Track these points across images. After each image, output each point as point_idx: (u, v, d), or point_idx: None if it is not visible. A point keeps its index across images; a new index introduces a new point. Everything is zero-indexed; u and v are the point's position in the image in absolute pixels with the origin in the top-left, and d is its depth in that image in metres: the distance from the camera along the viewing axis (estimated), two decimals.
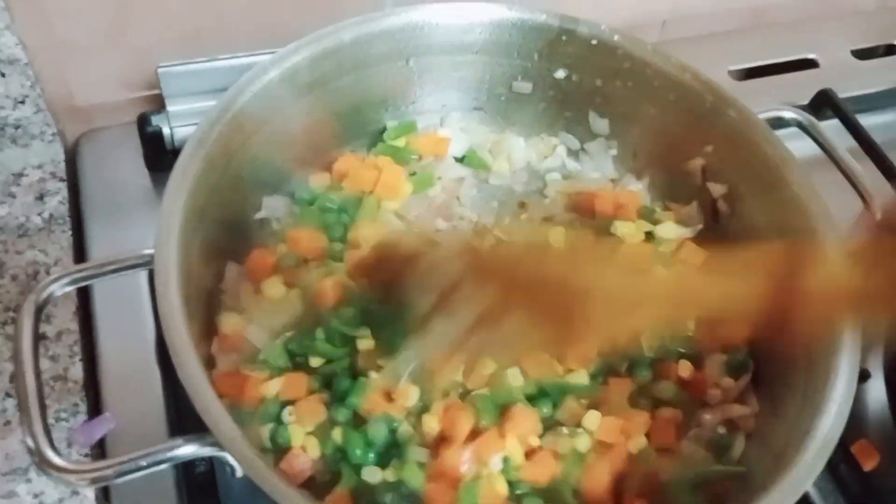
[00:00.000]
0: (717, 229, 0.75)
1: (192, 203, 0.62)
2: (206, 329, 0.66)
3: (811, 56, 1.01)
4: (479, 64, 0.80)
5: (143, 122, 0.82)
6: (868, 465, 0.70)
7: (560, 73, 0.80)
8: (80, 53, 0.81)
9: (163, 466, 0.53)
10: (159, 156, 0.83)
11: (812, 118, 0.75)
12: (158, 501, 0.64)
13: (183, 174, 0.62)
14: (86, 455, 0.66)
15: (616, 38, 0.76)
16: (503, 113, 0.84)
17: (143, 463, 0.52)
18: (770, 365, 0.68)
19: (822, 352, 0.61)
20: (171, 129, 0.82)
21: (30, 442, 0.52)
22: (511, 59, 0.79)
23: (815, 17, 1.06)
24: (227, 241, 0.71)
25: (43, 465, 0.52)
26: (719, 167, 0.75)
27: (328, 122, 0.76)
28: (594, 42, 0.76)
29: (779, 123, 0.76)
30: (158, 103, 0.83)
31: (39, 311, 0.58)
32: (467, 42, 0.78)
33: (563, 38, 0.77)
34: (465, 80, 0.81)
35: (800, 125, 0.75)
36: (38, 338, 0.57)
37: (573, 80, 0.79)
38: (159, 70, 0.80)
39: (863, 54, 1.03)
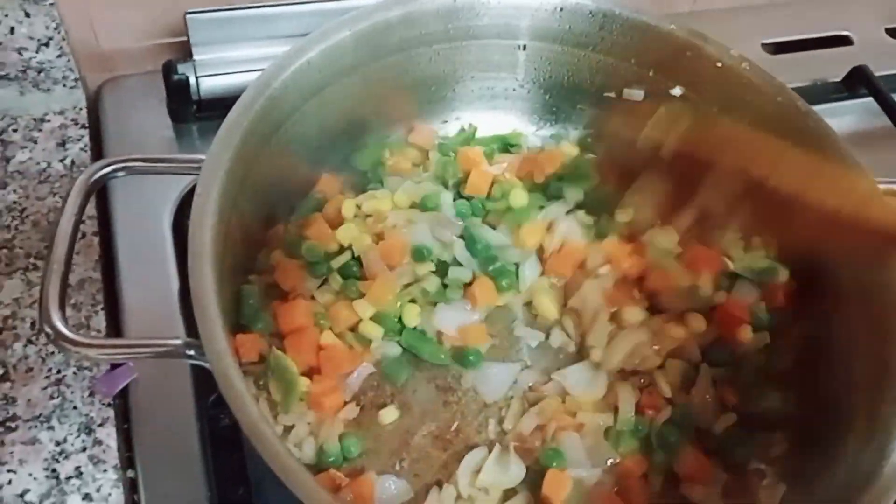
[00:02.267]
0: None
1: (235, 167, 0.59)
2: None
3: (845, 33, 1.00)
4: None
5: (168, 69, 0.80)
6: None
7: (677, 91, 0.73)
8: None
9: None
10: (184, 106, 0.81)
11: None
12: (182, 455, 0.63)
13: (227, 137, 0.59)
14: (108, 405, 0.65)
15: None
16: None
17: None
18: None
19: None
20: (196, 78, 0.80)
21: (42, 308, 0.51)
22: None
23: None
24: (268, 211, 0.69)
25: (57, 339, 0.51)
26: None
27: (377, 99, 0.74)
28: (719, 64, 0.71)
29: None
30: (185, 51, 0.81)
31: (88, 194, 0.57)
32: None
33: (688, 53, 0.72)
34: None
35: None
36: (80, 220, 0.56)
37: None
38: (187, 16, 0.78)
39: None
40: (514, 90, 0.79)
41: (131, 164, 0.59)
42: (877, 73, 0.93)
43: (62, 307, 0.52)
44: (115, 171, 0.58)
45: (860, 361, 0.60)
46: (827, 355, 0.63)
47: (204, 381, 0.66)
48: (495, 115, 0.79)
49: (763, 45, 0.97)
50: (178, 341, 0.53)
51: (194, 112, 0.81)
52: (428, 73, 0.75)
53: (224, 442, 0.64)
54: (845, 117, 0.93)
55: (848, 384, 0.60)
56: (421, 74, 0.75)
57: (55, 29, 0.79)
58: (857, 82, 0.92)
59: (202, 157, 0.57)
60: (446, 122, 0.79)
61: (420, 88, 0.76)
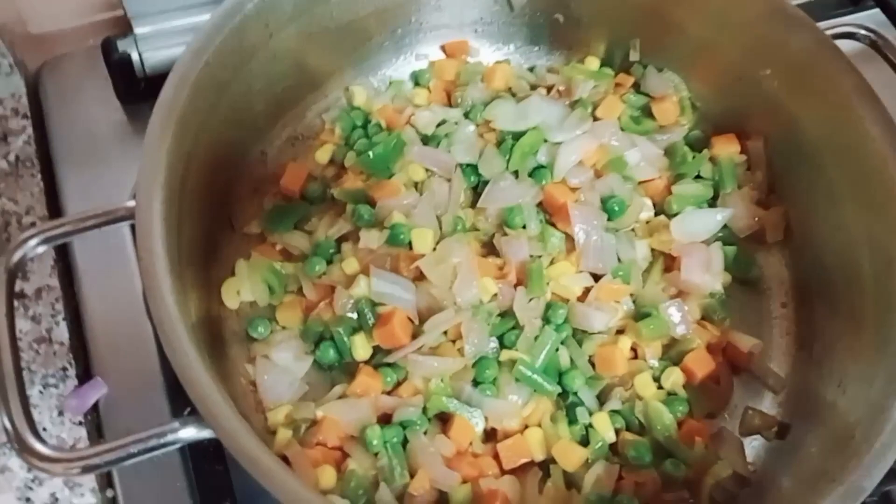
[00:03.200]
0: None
1: (178, 147, 0.54)
2: (204, 275, 0.60)
3: None
4: None
5: (107, 48, 0.73)
6: None
7: None
8: None
9: (159, 452, 0.47)
10: (130, 85, 0.74)
11: (886, 36, 0.65)
12: (163, 471, 0.60)
13: (166, 115, 0.54)
14: (79, 423, 0.62)
15: None
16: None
17: (135, 449, 0.47)
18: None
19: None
20: (139, 54, 0.73)
21: (7, 426, 0.46)
22: None
23: None
24: (221, 183, 0.63)
25: (24, 454, 0.46)
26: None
27: (322, 46, 0.67)
28: None
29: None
30: (124, 26, 0.73)
31: (13, 278, 0.51)
32: None
33: None
34: None
35: (873, 45, 0.64)
36: (13, 307, 0.50)
37: None
38: None
39: None
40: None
41: (52, 231, 0.51)
42: None
43: (32, 428, 0.46)
44: (36, 245, 0.51)
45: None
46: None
47: (178, 389, 0.62)
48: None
49: None
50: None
51: (142, 90, 0.74)
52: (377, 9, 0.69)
53: (205, 454, 0.61)
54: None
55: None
56: (370, 11, 0.68)
57: None
58: None
59: (131, 203, 0.51)
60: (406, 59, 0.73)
61: (371, 27, 0.70)
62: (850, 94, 0.59)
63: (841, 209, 0.61)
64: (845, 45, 0.64)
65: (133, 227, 0.65)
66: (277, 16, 0.61)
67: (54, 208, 0.71)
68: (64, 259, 0.68)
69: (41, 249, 0.52)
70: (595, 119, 0.69)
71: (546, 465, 0.57)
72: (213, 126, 0.59)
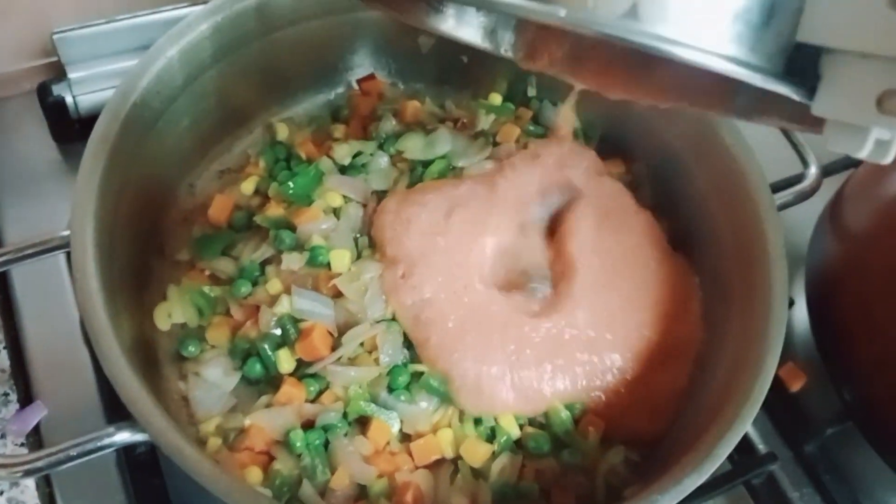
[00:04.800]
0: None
1: (109, 179, 0.59)
2: (136, 299, 0.65)
3: None
4: None
5: (43, 92, 0.78)
6: (794, 386, 0.73)
7: None
8: None
9: (96, 455, 0.52)
10: (65, 126, 0.79)
11: None
12: (102, 484, 0.64)
13: (97, 151, 0.59)
14: (21, 444, 0.65)
15: None
16: None
17: (74, 453, 0.52)
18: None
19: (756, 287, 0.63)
20: (73, 97, 0.78)
21: None
22: None
23: None
24: (152, 213, 0.69)
25: None
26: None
27: (245, 85, 0.73)
28: None
29: None
30: (59, 70, 0.78)
31: None
32: None
33: None
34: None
35: None
36: None
37: None
38: (55, 36, 0.75)
39: None
40: None
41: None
42: None
43: None
44: None
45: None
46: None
47: (114, 407, 0.67)
48: None
49: None
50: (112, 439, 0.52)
51: (77, 131, 0.79)
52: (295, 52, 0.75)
53: (142, 466, 0.65)
54: None
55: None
56: (288, 55, 0.75)
57: None
58: None
59: (66, 232, 0.56)
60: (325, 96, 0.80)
61: (290, 69, 0.76)
62: (711, 122, 0.69)
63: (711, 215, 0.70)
64: None
65: (68, 255, 0.72)
66: (197, 61, 0.67)
67: None
68: (3, 289, 0.72)
69: None
70: (496, 145, 0.76)
71: (456, 460, 0.63)
72: (142, 160, 0.65)
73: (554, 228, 0.70)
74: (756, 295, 0.64)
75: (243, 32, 0.70)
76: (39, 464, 0.51)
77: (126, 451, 0.65)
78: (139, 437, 0.51)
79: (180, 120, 0.68)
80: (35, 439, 0.66)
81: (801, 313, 0.76)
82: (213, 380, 0.64)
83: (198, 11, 0.67)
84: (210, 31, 0.67)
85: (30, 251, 0.58)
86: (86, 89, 0.78)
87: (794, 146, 0.72)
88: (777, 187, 0.75)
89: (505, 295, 0.65)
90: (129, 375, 0.51)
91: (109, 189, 0.59)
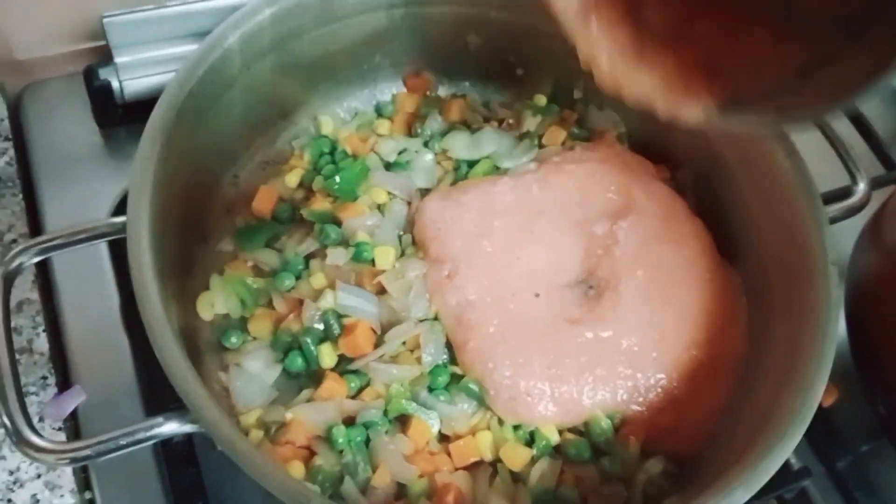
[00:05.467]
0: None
1: (163, 168, 0.59)
2: (181, 287, 0.65)
3: None
4: None
5: (89, 75, 0.78)
6: (827, 401, 0.72)
7: None
8: (17, 2, 0.76)
9: (143, 445, 0.52)
10: (109, 111, 0.79)
11: None
12: (138, 473, 0.64)
13: (153, 139, 0.59)
14: (59, 429, 0.65)
15: None
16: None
17: (123, 442, 0.52)
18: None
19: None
20: (119, 82, 0.78)
21: (6, 421, 0.51)
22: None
23: None
24: (198, 202, 0.69)
25: (21, 445, 0.50)
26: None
27: (294, 78, 0.73)
28: None
29: None
30: (105, 54, 0.78)
31: (9, 285, 0.55)
32: None
33: None
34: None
35: None
36: (9, 313, 0.54)
37: None
38: (104, 20, 0.75)
39: None
40: None
41: (46, 244, 0.56)
42: None
43: (28, 423, 0.51)
44: (32, 256, 0.56)
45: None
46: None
47: (153, 395, 0.67)
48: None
49: None
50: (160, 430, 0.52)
51: (120, 115, 0.79)
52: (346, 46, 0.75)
53: (178, 456, 0.65)
54: None
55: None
56: (340, 48, 0.74)
57: None
58: None
59: (122, 219, 0.56)
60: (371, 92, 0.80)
61: (340, 62, 0.76)
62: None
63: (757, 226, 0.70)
64: None
65: (110, 244, 0.71)
66: (255, 50, 0.67)
67: (34, 225, 0.75)
68: (44, 274, 0.72)
69: (36, 259, 0.57)
70: (541, 147, 0.76)
71: (495, 462, 0.62)
72: (193, 150, 0.65)
73: (603, 234, 0.69)
74: (804, 309, 0.63)
75: (302, 22, 0.70)
76: (87, 451, 0.51)
77: (164, 441, 0.65)
78: (188, 427, 0.51)
79: (231, 110, 0.68)
80: (72, 424, 0.66)
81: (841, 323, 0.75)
82: (255, 371, 0.64)
83: (251, 7, 0.66)
84: (270, 20, 0.67)
85: (79, 237, 0.58)
86: (132, 74, 0.78)
87: (844, 161, 0.71)
88: (825, 199, 0.74)
89: (549, 301, 0.65)
90: (183, 366, 0.51)
91: (163, 178, 0.59)
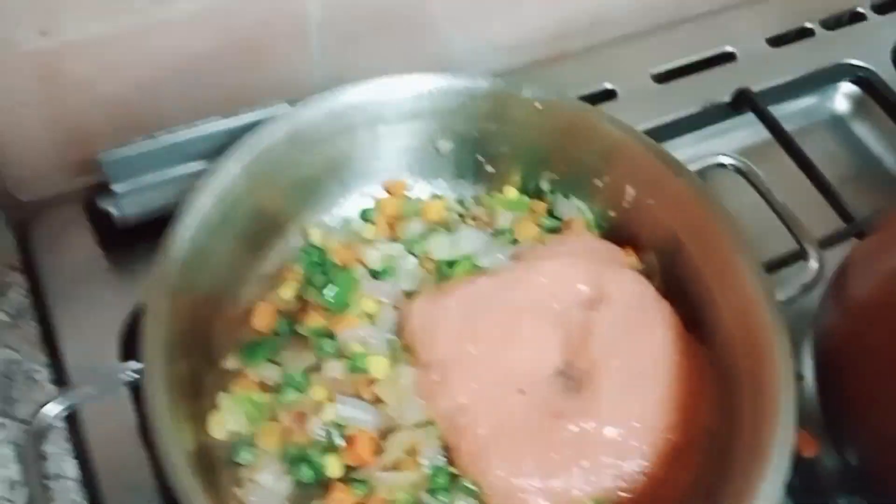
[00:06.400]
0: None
1: (171, 316, 0.65)
2: (192, 408, 0.70)
3: (729, 49, 1.05)
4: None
5: (90, 205, 0.83)
6: (808, 453, 0.77)
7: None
8: (13, 149, 0.81)
9: None
10: (111, 236, 0.85)
11: (751, 165, 0.79)
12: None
13: (160, 294, 0.65)
14: None
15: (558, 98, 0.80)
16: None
17: None
18: None
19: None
20: (119, 208, 0.83)
21: None
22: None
23: (731, 6, 1.09)
24: (202, 327, 0.74)
25: None
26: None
27: (280, 199, 0.79)
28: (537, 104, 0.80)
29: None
30: (103, 186, 0.84)
31: (38, 445, 0.61)
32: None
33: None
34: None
35: (739, 171, 0.79)
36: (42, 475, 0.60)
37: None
38: (100, 156, 0.80)
39: (776, 41, 1.07)
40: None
41: (69, 401, 0.63)
42: (760, 86, 1.00)
43: None
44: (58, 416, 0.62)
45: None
46: None
47: None
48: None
49: (652, 75, 1.02)
50: None
51: (122, 239, 0.84)
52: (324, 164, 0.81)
53: None
54: (737, 133, 1.00)
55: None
56: (317, 167, 0.81)
57: None
58: (742, 103, 0.98)
59: (133, 367, 0.62)
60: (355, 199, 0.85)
61: (323, 177, 0.82)
62: (714, 225, 0.74)
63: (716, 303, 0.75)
64: None
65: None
66: (234, 197, 0.73)
67: (51, 351, 0.80)
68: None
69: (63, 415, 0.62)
70: (514, 241, 0.82)
71: None
72: (196, 288, 0.70)
73: (578, 325, 0.74)
74: (764, 383, 0.68)
75: (275, 161, 0.76)
76: None
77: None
78: None
79: (223, 243, 0.73)
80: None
81: (811, 381, 0.80)
82: (268, 485, 0.69)
83: (228, 152, 0.72)
84: (241, 171, 0.73)
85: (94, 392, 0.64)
86: (131, 200, 0.83)
87: (794, 237, 0.76)
88: (783, 260, 0.80)
89: (534, 396, 0.70)
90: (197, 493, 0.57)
91: (170, 323, 0.64)
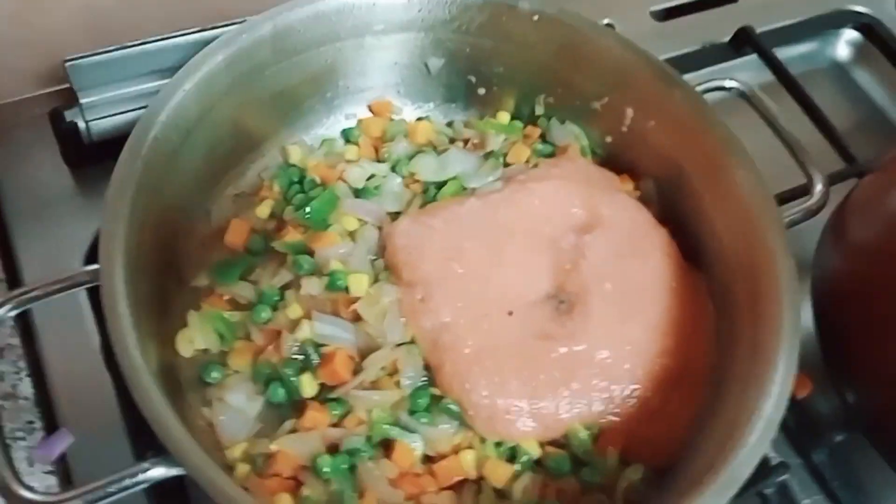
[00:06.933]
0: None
1: (133, 215, 0.60)
2: (158, 326, 0.65)
3: None
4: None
5: (56, 118, 0.78)
6: (802, 393, 0.74)
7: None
8: None
9: (133, 491, 0.53)
10: (78, 151, 0.80)
11: (754, 89, 0.76)
12: None
13: (121, 189, 0.60)
14: (49, 472, 0.66)
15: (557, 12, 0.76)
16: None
17: (112, 489, 0.52)
18: None
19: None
20: (86, 122, 0.78)
21: None
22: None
23: None
24: (170, 241, 0.69)
25: (11, 500, 0.51)
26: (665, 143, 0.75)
27: (258, 112, 0.74)
28: (535, 18, 0.76)
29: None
30: (70, 95, 0.79)
31: None
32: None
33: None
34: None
35: (742, 95, 0.76)
36: None
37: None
38: (67, 63, 0.76)
39: None
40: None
41: (23, 296, 0.57)
42: (762, 27, 0.96)
43: (15, 477, 0.52)
44: (8, 310, 0.57)
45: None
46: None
47: (140, 435, 0.68)
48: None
49: (651, 12, 0.98)
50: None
51: (89, 155, 0.80)
52: (307, 77, 0.76)
53: (169, 493, 0.66)
54: (738, 75, 0.96)
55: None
56: (301, 79, 0.76)
57: None
58: (743, 42, 0.95)
59: (91, 268, 0.57)
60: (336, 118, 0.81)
61: (303, 92, 0.77)
62: (717, 143, 0.70)
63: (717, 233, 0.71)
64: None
65: (89, 290, 0.72)
66: (215, 91, 0.68)
67: (10, 268, 0.76)
68: (23, 319, 0.73)
69: (13, 313, 0.57)
70: (506, 165, 0.77)
71: (479, 480, 0.64)
72: (162, 192, 0.65)
73: (570, 248, 0.71)
74: (766, 311, 0.65)
75: (258, 62, 0.71)
76: (77, 502, 0.51)
77: None
78: (175, 471, 0.52)
79: (197, 149, 0.69)
80: (62, 466, 0.67)
81: (806, 321, 0.77)
82: (238, 405, 0.65)
83: (213, 44, 0.68)
84: (225, 64, 0.68)
85: (55, 287, 0.58)
86: (98, 114, 0.78)
87: (799, 162, 0.73)
88: (784, 198, 0.76)
89: (522, 318, 0.67)
90: (163, 414, 0.52)
91: (132, 224, 0.60)
